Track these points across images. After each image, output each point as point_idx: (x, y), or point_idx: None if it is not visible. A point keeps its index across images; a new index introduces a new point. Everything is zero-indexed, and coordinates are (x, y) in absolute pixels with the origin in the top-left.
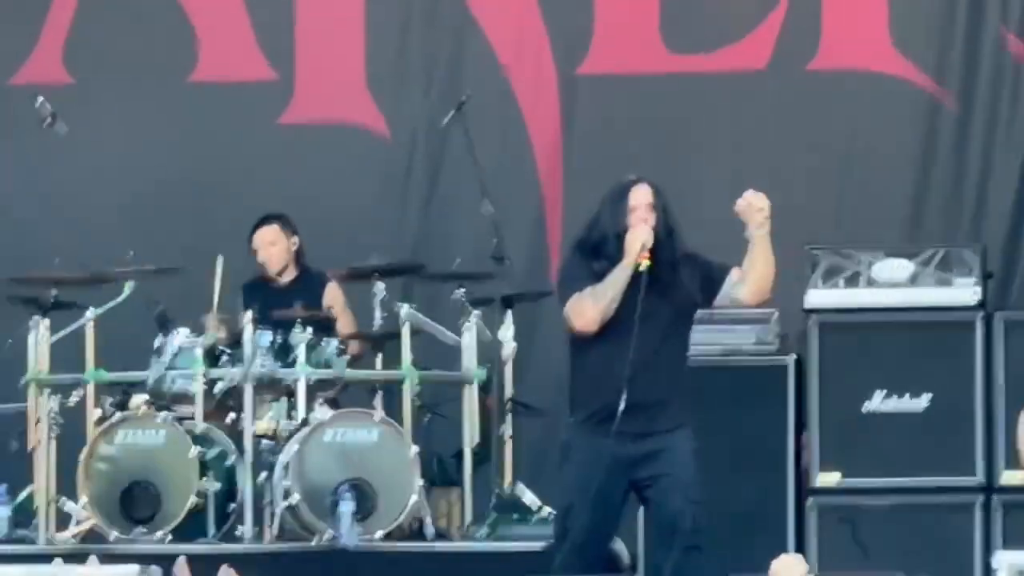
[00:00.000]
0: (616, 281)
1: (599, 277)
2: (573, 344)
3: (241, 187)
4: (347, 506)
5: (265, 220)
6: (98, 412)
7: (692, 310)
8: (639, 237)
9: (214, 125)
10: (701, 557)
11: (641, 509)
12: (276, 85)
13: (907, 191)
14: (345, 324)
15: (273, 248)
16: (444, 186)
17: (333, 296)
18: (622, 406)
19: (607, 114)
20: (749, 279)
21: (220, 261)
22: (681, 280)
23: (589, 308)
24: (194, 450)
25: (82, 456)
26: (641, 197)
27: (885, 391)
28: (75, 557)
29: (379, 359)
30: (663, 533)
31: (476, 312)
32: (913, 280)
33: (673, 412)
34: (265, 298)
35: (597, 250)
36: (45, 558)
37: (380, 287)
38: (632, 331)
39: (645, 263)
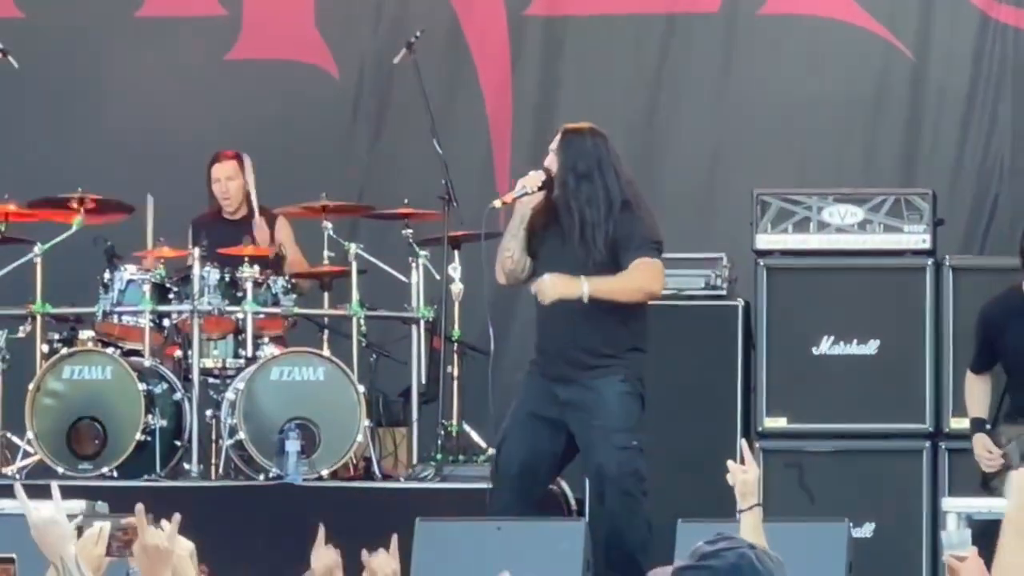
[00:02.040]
0: (507, 228)
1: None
2: None
3: (189, 123)
4: (293, 444)
5: (225, 155)
6: (45, 347)
7: (604, 260)
8: (524, 179)
9: (162, 61)
10: (635, 503)
11: None
12: (225, 21)
13: (858, 137)
14: (294, 262)
15: (231, 183)
16: (392, 125)
17: (283, 233)
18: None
19: (557, 55)
20: None
21: (150, 201)
22: (586, 230)
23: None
24: (141, 386)
25: (29, 391)
26: (552, 142)
27: (834, 336)
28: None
29: (326, 297)
30: (593, 482)
31: (424, 252)
32: (863, 226)
33: (597, 357)
34: (215, 234)
35: None
36: None
37: (328, 225)
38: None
39: (498, 203)
